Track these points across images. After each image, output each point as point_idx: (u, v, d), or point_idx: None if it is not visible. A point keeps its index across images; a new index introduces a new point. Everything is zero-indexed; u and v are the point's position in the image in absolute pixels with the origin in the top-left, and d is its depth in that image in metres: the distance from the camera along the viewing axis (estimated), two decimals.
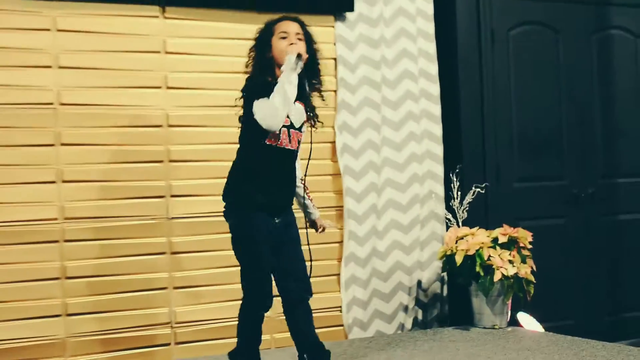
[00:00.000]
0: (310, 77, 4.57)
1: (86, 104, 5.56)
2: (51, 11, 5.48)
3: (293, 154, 4.57)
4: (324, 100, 4.73)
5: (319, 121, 4.70)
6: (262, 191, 4.46)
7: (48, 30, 5.48)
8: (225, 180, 4.63)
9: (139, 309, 5.64)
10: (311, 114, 4.65)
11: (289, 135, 4.50)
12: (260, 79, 4.46)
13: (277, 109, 4.25)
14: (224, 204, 4.58)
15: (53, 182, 5.46)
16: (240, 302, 4.60)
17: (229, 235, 4.59)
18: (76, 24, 5.55)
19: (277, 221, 4.54)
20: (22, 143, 5.40)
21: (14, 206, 5.37)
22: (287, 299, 4.58)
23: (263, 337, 4.70)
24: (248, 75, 4.57)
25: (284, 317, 4.64)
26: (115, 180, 5.63)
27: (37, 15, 5.46)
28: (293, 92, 4.32)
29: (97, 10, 5.60)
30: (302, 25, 4.60)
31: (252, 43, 4.64)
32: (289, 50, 4.40)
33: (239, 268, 4.57)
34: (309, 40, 4.59)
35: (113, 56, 5.65)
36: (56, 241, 5.45)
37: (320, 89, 4.68)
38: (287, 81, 4.29)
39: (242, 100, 4.49)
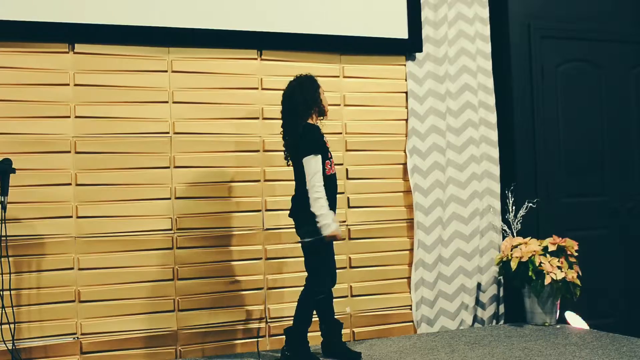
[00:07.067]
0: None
1: (196, 132, 5.73)
2: (168, 56, 5.67)
3: (335, 176, 5.20)
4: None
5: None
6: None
7: (165, 71, 5.67)
8: (292, 201, 5.18)
9: (238, 306, 5.76)
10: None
11: (331, 164, 5.15)
12: (317, 132, 5.09)
13: (315, 194, 4.94)
14: (294, 220, 5.17)
15: (168, 198, 5.61)
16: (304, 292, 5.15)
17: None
18: (188, 66, 5.73)
19: None
20: (144, 165, 5.57)
21: (137, 218, 5.53)
22: None
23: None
24: (297, 108, 5.10)
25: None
26: (219, 197, 5.76)
27: (157, 60, 5.65)
28: (323, 218, 4.99)
29: (205, 54, 5.78)
30: None
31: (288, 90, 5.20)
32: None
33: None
34: None
35: (218, 92, 5.81)
36: (170, 248, 5.60)
37: None
38: (325, 223, 4.97)
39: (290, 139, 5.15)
